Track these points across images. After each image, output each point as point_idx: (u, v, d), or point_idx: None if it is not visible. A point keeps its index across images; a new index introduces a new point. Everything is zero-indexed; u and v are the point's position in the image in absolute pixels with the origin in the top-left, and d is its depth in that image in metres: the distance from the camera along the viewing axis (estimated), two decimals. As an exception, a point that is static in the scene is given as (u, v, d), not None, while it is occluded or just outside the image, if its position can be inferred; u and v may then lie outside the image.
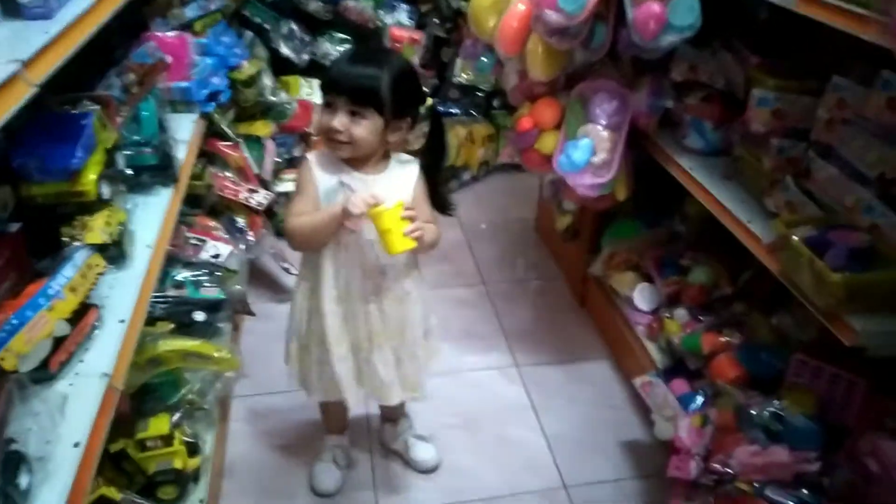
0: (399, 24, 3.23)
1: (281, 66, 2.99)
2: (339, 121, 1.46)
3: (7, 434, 1.01)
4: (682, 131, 1.96)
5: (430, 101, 1.60)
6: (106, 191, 1.45)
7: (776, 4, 1.44)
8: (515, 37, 1.94)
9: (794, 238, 1.38)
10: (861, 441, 1.41)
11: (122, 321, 1.30)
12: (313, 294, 1.63)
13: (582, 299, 2.68)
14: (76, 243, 1.35)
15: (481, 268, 2.92)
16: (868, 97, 1.43)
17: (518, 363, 2.40)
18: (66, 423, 1.08)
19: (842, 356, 1.51)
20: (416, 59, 3.13)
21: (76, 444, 1.05)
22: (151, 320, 1.78)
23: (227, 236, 2.25)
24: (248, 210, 2.46)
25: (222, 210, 2.40)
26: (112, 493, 1.44)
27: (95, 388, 1.15)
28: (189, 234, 2.11)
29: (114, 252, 1.41)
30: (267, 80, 2.69)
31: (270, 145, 2.73)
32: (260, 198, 2.47)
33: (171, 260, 1.94)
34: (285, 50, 2.99)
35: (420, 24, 3.32)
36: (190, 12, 2.25)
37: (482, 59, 2.30)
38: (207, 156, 2.40)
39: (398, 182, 1.57)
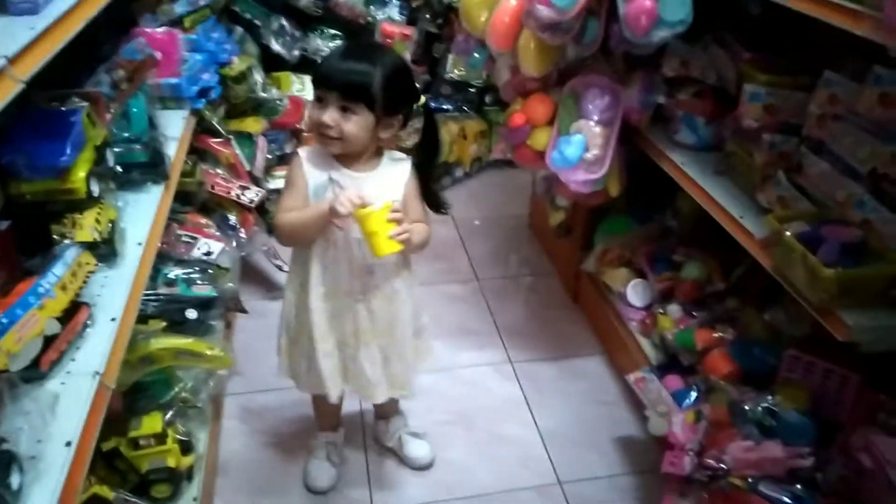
0: (390, 20, 3.22)
1: (271, 62, 2.97)
2: (330, 116, 1.45)
3: (-2, 434, 1.00)
4: (674, 127, 1.97)
5: (423, 98, 1.58)
6: (96, 188, 1.44)
7: (768, -1, 1.45)
8: (507, 32, 1.94)
9: (787, 233, 1.39)
10: (854, 436, 1.41)
11: (114, 319, 1.29)
12: (302, 289, 1.62)
13: (575, 295, 2.68)
14: (66, 241, 1.34)
15: (474, 264, 2.92)
16: (860, 93, 1.43)
17: (512, 359, 2.40)
18: (58, 422, 1.08)
19: (834, 351, 1.52)
20: (407, 55, 3.11)
21: (68, 444, 1.05)
22: (143, 318, 1.77)
23: (218, 233, 2.23)
24: (240, 207, 2.45)
25: (214, 207, 2.39)
26: (105, 491, 1.43)
27: (87, 387, 1.14)
28: (180, 232, 2.09)
29: (104, 250, 1.40)
30: (257, 76, 2.68)
31: (262, 142, 2.72)
32: (251, 195, 2.45)
33: (163, 257, 1.93)
34: (276, 46, 2.98)
35: (411, 20, 3.30)
36: (179, 8, 2.23)
37: (474, 54, 2.29)
38: (198, 153, 2.39)
39: (389, 180, 1.56)
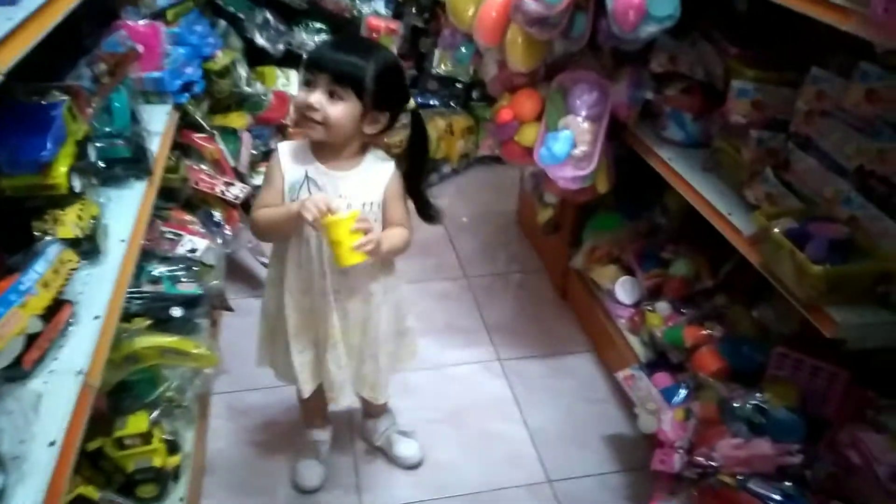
0: (376, 14, 3.20)
1: (256, 57, 2.95)
2: (316, 98, 1.42)
3: (-21, 434, 0.98)
4: (662, 123, 1.97)
5: (413, 103, 1.55)
6: (77, 184, 1.41)
7: (756, -5, 1.45)
8: (494, 27, 1.93)
9: (775, 230, 1.39)
10: (842, 433, 1.42)
11: (97, 317, 1.27)
12: (279, 284, 1.61)
13: (563, 292, 2.68)
14: (48, 238, 1.31)
15: (463, 261, 2.91)
16: (847, 89, 1.43)
17: (500, 357, 2.40)
18: (41, 421, 1.06)
19: (822, 349, 1.52)
20: (393, 50, 3.10)
21: (52, 443, 1.03)
22: (127, 316, 1.74)
23: (203, 230, 2.20)
24: (225, 204, 2.42)
25: (198, 204, 2.36)
26: (90, 492, 1.42)
27: (71, 386, 1.13)
28: (164, 229, 2.06)
29: (87, 247, 1.37)
30: (241, 71, 2.65)
31: (246, 137, 2.69)
32: (236, 191, 2.43)
33: (147, 255, 1.90)
34: (260, 40, 2.95)
35: (397, 14, 3.29)
36: (161, 0, 2.20)
37: (461, 49, 2.28)
38: (182, 148, 2.36)
39: (370, 179, 1.52)
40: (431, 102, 3.46)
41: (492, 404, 2.21)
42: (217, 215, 2.38)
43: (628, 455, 2.03)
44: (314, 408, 1.90)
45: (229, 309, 2.28)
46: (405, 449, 1.98)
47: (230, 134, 2.60)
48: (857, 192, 1.39)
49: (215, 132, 2.50)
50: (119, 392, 1.67)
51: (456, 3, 2.04)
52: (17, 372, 1.12)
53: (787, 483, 1.44)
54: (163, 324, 1.81)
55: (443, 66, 3.37)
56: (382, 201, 1.53)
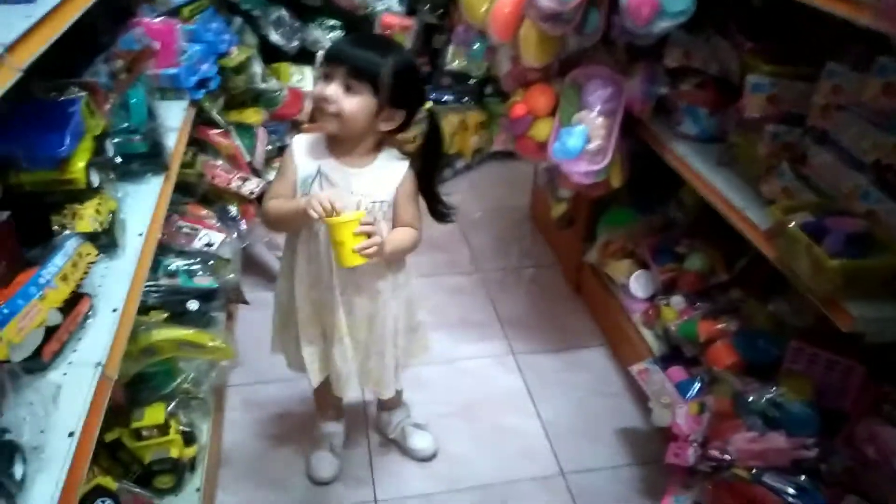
0: (390, 11, 3.19)
1: (270, 53, 2.96)
2: (332, 90, 1.42)
3: (0, 424, 1.00)
4: (677, 118, 1.96)
5: (429, 104, 1.54)
6: (95, 179, 1.43)
7: (771, -12, 1.44)
8: (508, 22, 1.93)
9: (791, 224, 1.38)
10: (859, 427, 1.41)
11: (115, 310, 1.28)
12: (291, 276, 1.62)
13: (577, 287, 2.68)
14: (67, 232, 1.33)
15: (476, 256, 2.91)
16: (864, 83, 1.42)
17: (514, 351, 2.40)
18: (60, 412, 1.07)
19: (838, 342, 1.51)
20: (407, 46, 3.10)
21: (70, 434, 1.04)
22: (144, 309, 1.76)
23: (219, 225, 2.22)
24: (240, 198, 2.44)
25: (214, 198, 2.38)
26: (108, 482, 1.43)
27: (89, 378, 1.14)
28: (181, 223, 2.08)
29: (105, 241, 1.39)
30: (257, 67, 2.66)
31: (262, 133, 2.71)
32: (252, 186, 2.44)
33: (164, 249, 1.92)
34: (275, 37, 2.96)
35: (411, 11, 3.28)
36: (177, -2, 2.22)
37: (474, 45, 2.28)
38: (198, 144, 2.38)
39: (381, 177, 1.52)
40: (445, 98, 3.46)
41: (505, 398, 2.21)
42: (233, 210, 2.39)
43: (641, 448, 2.03)
44: (329, 401, 1.91)
45: (245, 302, 2.30)
46: (419, 441, 1.99)
47: (245, 130, 2.62)
48: (874, 186, 1.38)
49: (231, 128, 2.52)
50: (136, 384, 1.70)
51: (470, 0, 2.04)
52: (37, 364, 1.13)
53: (802, 477, 1.43)
54: (179, 317, 1.84)
55: (456, 62, 3.36)
56: (394, 200, 1.53)
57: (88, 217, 1.37)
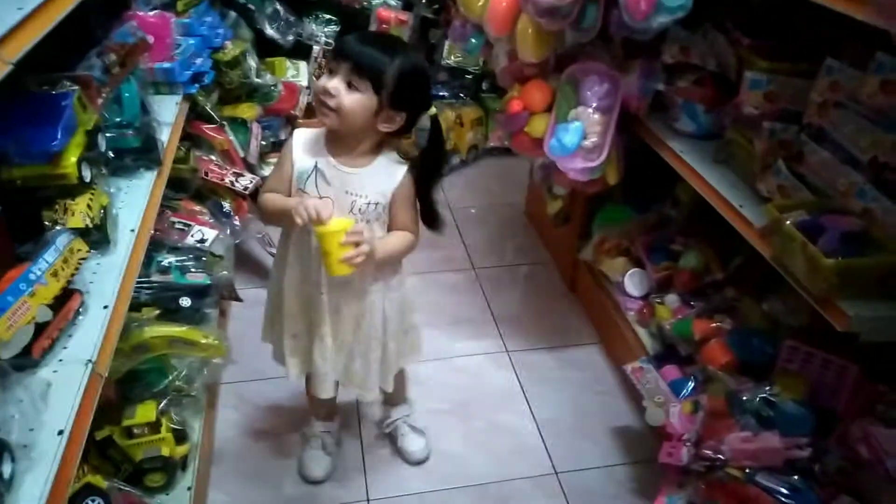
0: (386, 5, 3.19)
1: (265, 48, 2.95)
2: (334, 84, 1.41)
3: (-11, 422, 0.99)
4: (674, 114, 1.95)
5: (433, 110, 1.52)
6: (87, 174, 1.42)
7: (769, -16, 1.43)
8: (505, 17, 1.92)
9: (787, 223, 1.37)
10: (852, 427, 1.41)
11: (107, 307, 1.28)
12: (284, 267, 1.62)
13: (572, 284, 2.67)
14: (58, 227, 1.32)
15: (471, 253, 2.90)
16: (862, 80, 1.41)
17: (508, 348, 2.39)
18: (50, 410, 1.06)
19: (833, 342, 1.51)
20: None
21: (60, 432, 1.03)
22: (136, 306, 1.75)
23: (212, 221, 2.21)
24: (234, 194, 2.43)
25: (208, 194, 2.37)
26: (98, 480, 1.42)
27: (79, 375, 1.13)
28: (174, 219, 2.07)
29: (97, 236, 1.38)
30: (251, 62, 2.65)
31: (256, 128, 2.70)
32: (246, 181, 2.43)
33: (156, 245, 1.91)
34: (270, 31, 2.95)
35: (407, 5, 3.27)
36: (171, -9, 2.21)
37: (471, 40, 2.27)
38: (192, 139, 2.37)
39: (378, 179, 1.50)
40: (441, 93, 3.45)
41: (499, 396, 2.21)
42: (226, 206, 2.38)
43: (635, 447, 2.02)
44: (320, 399, 1.90)
45: (238, 299, 2.29)
46: (412, 444, 1.98)
47: (240, 125, 2.61)
48: (871, 184, 1.37)
49: (225, 123, 2.51)
50: (128, 381, 1.69)
51: (466, -7, 2.03)
52: (27, 361, 1.12)
53: (795, 477, 1.43)
54: (171, 313, 1.83)
55: (452, 57, 3.36)
56: (390, 203, 1.52)
57: (80, 212, 1.36)
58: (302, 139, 1.53)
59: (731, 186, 1.70)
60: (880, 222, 1.34)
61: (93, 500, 1.38)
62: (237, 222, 2.38)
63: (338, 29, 3.17)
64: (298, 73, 3.00)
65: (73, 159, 1.37)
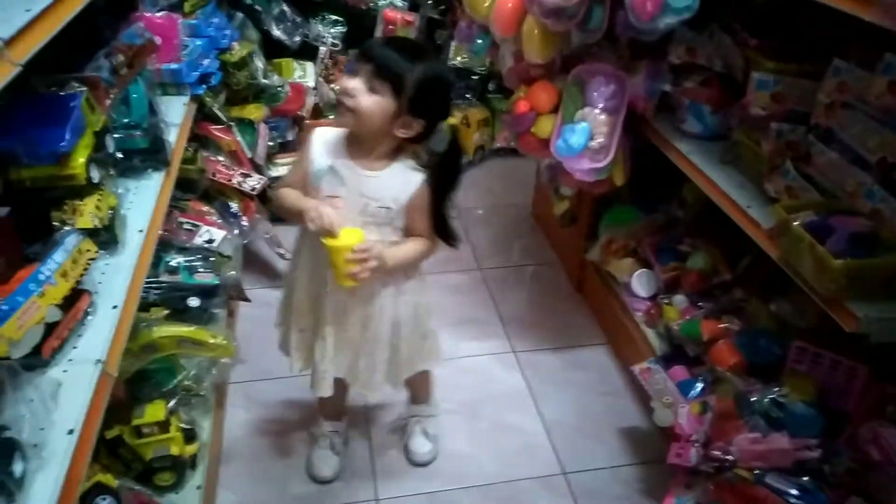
0: (392, 6, 3.19)
1: (272, 49, 2.95)
2: (354, 83, 1.42)
3: (0, 421, 0.99)
4: (680, 115, 1.94)
5: (452, 120, 1.53)
6: (96, 174, 1.42)
7: (776, -16, 1.43)
8: (511, 18, 1.92)
9: (795, 223, 1.37)
10: (862, 428, 1.41)
11: (116, 307, 1.28)
12: (298, 261, 1.64)
13: (579, 285, 2.67)
14: (67, 228, 1.32)
15: (477, 254, 2.90)
16: (870, 81, 1.41)
17: (515, 349, 2.39)
18: (60, 409, 1.07)
19: (842, 343, 1.50)
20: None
21: (70, 431, 1.04)
22: (145, 306, 1.76)
23: (220, 221, 2.22)
24: (242, 195, 2.43)
25: (215, 195, 2.38)
26: (108, 479, 1.42)
27: (89, 375, 1.13)
28: (182, 219, 2.08)
29: (105, 237, 1.38)
30: (258, 63, 2.66)
31: (263, 129, 2.70)
32: (253, 182, 2.44)
33: (165, 245, 1.92)
34: (277, 32, 2.96)
35: (414, 6, 3.28)
36: (179, -8, 2.21)
37: (477, 41, 2.27)
38: (199, 140, 2.37)
39: (393, 184, 1.50)
40: (447, 94, 3.45)
41: (506, 396, 2.21)
42: (234, 206, 2.39)
43: (643, 448, 2.02)
44: (330, 399, 1.90)
45: (246, 299, 2.29)
46: (418, 446, 1.97)
47: (247, 125, 2.61)
48: (879, 185, 1.36)
49: (232, 124, 2.52)
50: (137, 381, 1.69)
51: (473, -6, 2.03)
52: (37, 361, 1.12)
53: (804, 478, 1.43)
54: (180, 313, 1.84)
55: (459, 58, 3.36)
56: (405, 210, 1.52)
57: (89, 213, 1.37)
58: (321, 138, 1.54)
59: (738, 187, 1.69)
60: (889, 223, 1.33)
61: (103, 499, 1.38)
62: (245, 223, 2.39)
63: (344, 30, 3.17)
64: (305, 74, 3.01)
65: (82, 160, 1.37)
